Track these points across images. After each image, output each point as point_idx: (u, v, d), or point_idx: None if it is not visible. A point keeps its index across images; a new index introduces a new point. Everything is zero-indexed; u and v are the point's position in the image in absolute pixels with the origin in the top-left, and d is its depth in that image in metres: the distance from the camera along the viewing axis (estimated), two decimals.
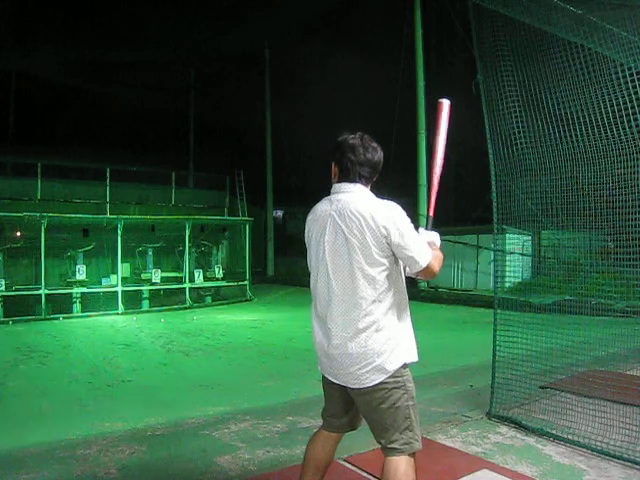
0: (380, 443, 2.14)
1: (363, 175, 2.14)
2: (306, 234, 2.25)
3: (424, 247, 2.09)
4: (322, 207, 2.18)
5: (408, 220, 2.08)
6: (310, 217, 2.24)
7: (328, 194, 2.23)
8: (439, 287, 15.00)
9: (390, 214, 2.03)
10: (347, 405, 2.25)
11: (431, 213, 2.44)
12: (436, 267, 2.13)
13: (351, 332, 2.06)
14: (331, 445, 2.32)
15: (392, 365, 2.05)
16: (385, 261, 2.05)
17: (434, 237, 2.29)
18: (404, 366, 2.10)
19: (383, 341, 2.04)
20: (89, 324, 10.80)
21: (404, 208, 2.11)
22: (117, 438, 3.85)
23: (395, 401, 2.07)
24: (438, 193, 2.49)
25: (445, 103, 2.54)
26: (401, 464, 2.07)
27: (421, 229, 2.29)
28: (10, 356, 7.32)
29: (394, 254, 2.07)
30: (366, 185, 2.16)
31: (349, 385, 2.12)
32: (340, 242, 2.07)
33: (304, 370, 6.13)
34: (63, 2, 16.88)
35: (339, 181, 2.17)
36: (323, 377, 2.28)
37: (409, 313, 2.20)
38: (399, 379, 2.08)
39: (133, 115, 21.61)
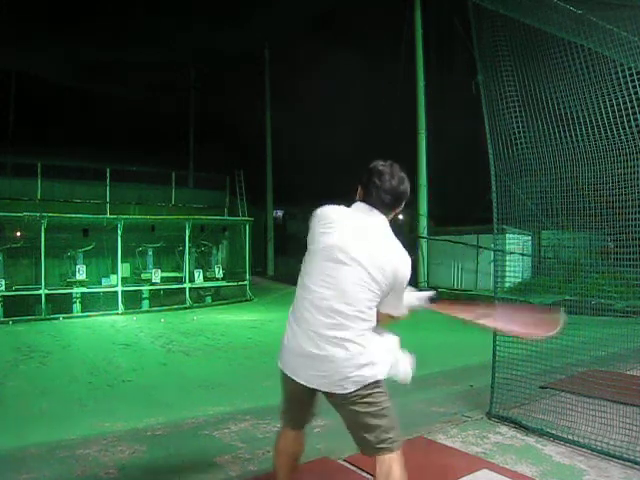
0: (366, 445, 2.18)
1: (385, 202, 2.16)
2: (317, 233, 2.21)
3: (404, 305, 2.28)
4: (352, 221, 2.17)
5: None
6: (330, 220, 2.19)
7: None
8: (439, 287, 15.00)
9: (405, 263, 2.16)
10: (314, 406, 2.32)
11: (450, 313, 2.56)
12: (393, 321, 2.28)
13: (341, 338, 2.07)
14: (301, 439, 2.43)
15: (381, 374, 2.13)
16: (377, 293, 2.12)
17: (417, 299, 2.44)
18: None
19: (372, 350, 2.11)
20: (89, 324, 10.80)
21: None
22: (117, 438, 3.85)
23: (381, 404, 2.14)
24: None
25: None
26: (395, 461, 2.15)
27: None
28: (10, 356, 7.32)
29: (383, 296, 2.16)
30: (387, 215, 2.20)
31: (334, 391, 2.11)
32: (359, 257, 2.10)
33: None
34: (63, 2, 16.88)
35: (362, 201, 2.21)
36: (288, 380, 2.22)
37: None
38: (381, 384, 2.16)
39: (133, 115, 21.61)
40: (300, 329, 2.14)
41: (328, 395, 2.17)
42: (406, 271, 2.15)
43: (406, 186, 2.21)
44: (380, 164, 2.20)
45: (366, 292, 2.09)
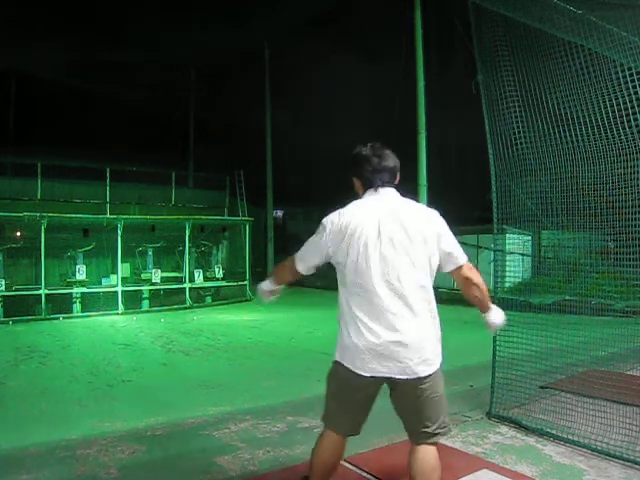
0: (423, 432, 2.27)
1: (385, 180, 2.31)
2: (348, 232, 2.22)
3: (461, 255, 2.35)
4: (368, 211, 2.24)
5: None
6: (347, 218, 2.24)
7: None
8: (439, 287, 15.00)
9: (438, 217, 2.32)
10: (368, 407, 2.33)
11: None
12: (478, 274, 2.41)
13: (419, 319, 2.23)
14: (340, 448, 2.37)
15: (440, 354, 2.32)
16: (436, 257, 2.28)
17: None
18: None
19: (438, 330, 2.35)
20: (89, 324, 10.80)
21: None
22: (117, 438, 3.85)
23: (441, 390, 2.30)
24: None
25: None
26: (435, 452, 2.31)
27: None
28: (10, 356, 7.32)
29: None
30: (394, 186, 2.37)
31: (417, 372, 2.19)
32: (404, 242, 2.19)
33: (304, 370, 6.13)
34: (63, 2, 16.87)
35: (366, 191, 2.34)
36: (350, 377, 2.22)
37: None
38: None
39: (133, 115, 21.59)
40: (370, 321, 2.20)
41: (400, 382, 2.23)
42: (439, 221, 2.30)
43: (395, 160, 2.36)
44: (362, 150, 2.33)
45: (424, 264, 2.22)
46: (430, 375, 2.22)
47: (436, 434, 2.28)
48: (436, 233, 2.24)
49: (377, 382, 2.24)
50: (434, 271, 2.28)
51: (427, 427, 2.27)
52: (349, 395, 2.29)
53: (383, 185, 2.30)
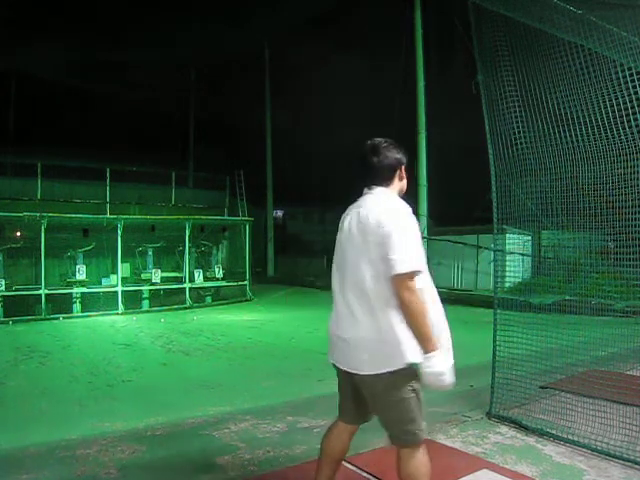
0: (388, 433, 2.22)
1: (377, 178, 2.29)
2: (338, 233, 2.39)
3: (415, 257, 2.05)
4: (349, 209, 2.35)
5: (412, 221, 2.15)
6: (342, 218, 2.38)
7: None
8: (439, 287, 14.99)
9: (390, 209, 2.16)
10: (354, 396, 2.32)
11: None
12: (419, 298, 2.03)
13: (361, 320, 2.16)
14: (345, 436, 2.41)
15: (399, 360, 2.08)
16: (380, 263, 2.14)
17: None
18: (411, 367, 2.09)
19: (392, 333, 2.09)
20: (89, 324, 10.81)
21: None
22: (117, 438, 3.85)
23: (399, 395, 2.13)
24: None
25: None
26: (415, 454, 2.16)
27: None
28: (10, 356, 7.32)
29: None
30: (387, 185, 2.30)
31: (357, 371, 2.19)
32: (356, 243, 2.20)
33: (304, 370, 6.13)
34: (63, 2, 16.88)
35: (363, 187, 2.35)
36: (336, 367, 2.34)
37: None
38: (408, 377, 2.11)
39: (133, 115, 21.60)
40: (334, 312, 2.33)
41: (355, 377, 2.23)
42: (379, 217, 2.12)
43: (390, 157, 2.29)
44: (363, 147, 2.33)
45: (368, 267, 2.14)
46: (373, 375, 2.11)
47: (399, 439, 2.18)
48: (381, 236, 2.08)
49: (345, 372, 2.27)
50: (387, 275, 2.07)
51: (387, 429, 2.22)
52: (339, 382, 2.41)
53: (381, 182, 2.29)
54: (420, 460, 2.16)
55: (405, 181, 2.38)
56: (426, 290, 2.15)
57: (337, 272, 2.30)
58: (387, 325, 2.09)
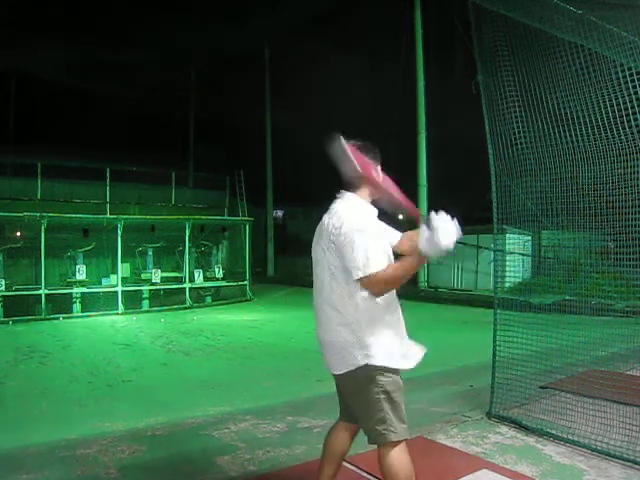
0: (365, 432, 2.28)
1: (349, 182, 2.28)
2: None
3: (370, 257, 2.04)
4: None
5: (366, 226, 2.12)
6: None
7: (328, 194, 2.30)
8: (439, 287, 15.01)
9: (346, 215, 2.17)
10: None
11: (420, 212, 2.48)
12: (388, 282, 2.07)
13: (326, 323, 2.24)
14: (345, 434, 2.45)
15: (357, 362, 2.14)
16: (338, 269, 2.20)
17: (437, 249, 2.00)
18: (375, 368, 2.14)
19: (351, 337, 2.15)
20: (89, 324, 10.80)
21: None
22: (117, 438, 3.85)
23: (366, 393, 2.17)
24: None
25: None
26: (388, 453, 2.17)
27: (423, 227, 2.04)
28: (10, 356, 7.32)
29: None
30: (354, 191, 2.28)
31: (330, 370, 2.29)
32: (320, 247, 2.27)
33: (304, 370, 6.13)
34: (63, 2, 16.88)
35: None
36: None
37: (394, 319, 2.24)
38: (370, 374, 2.14)
39: (133, 115, 21.61)
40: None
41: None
42: (333, 224, 2.17)
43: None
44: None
45: (332, 271, 2.19)
46: (343, 374, 2.21)
47: (370, 438, 2.23)
48: (335, 242, 2.14)
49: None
50: (348, 279, 2.11)
51: (361, 426, 2.31)
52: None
53: (349, 186, 2.29)
54: (395, 458, 2.17)
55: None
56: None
57: (314, 275, 2.35)
58: (345, 327, 2.16)
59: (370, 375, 2.14)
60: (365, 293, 2.12)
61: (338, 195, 2.32)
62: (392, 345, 2.18)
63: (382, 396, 2.15)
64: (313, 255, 2.34)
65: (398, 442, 2.17)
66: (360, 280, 2.07)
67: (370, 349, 2.13)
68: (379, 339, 2.15)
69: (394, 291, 2.24)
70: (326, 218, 2.26)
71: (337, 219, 2.18)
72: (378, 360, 2.13)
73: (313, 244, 2.34)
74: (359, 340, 2.14)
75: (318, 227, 2.33)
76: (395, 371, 2.19)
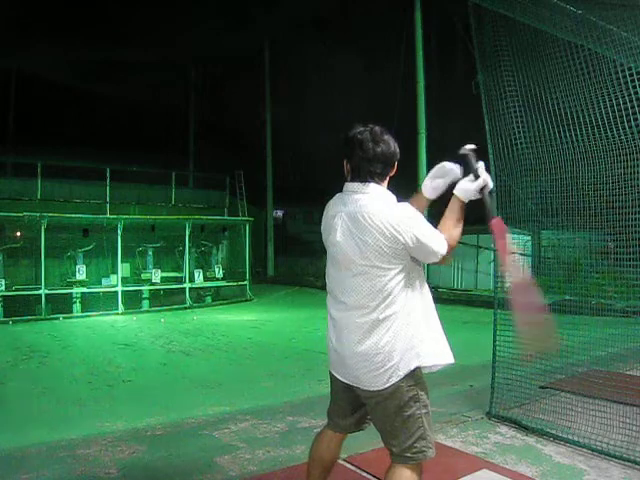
0: (391, 450, 2.10)
1: (375, 172, 2.02)
2: (322, 231, 2.19)
3: (439, 238, 2.00)
4: (335, 206, 2.12)
5: (421, 218, 2.01)
6: (324, 214, 2.18)
7: (328, 194, 2.21)
8: (439, 287, 15.00)
9: (403, 217, 1.96)
10: (355, 405, 2.21)
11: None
12: (453, 244, 2.05)
13: (360, 333, 2.01)
14: (336, 444, 2.32)
15: (401, 370, 1.99)
16: (396, 266, 1.98)
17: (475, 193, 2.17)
18: (415, 371, 2.03)
19: (392, 343, 1.98)
20: (89, 324, 10.80)
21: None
22: (117, 438, 3.85)
23: (407, 409, 2.02)
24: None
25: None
26: (406, 473, 2.04)
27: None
28: (10, 356, 7.32)
29: (410, 256, 2.00)
30: (380, 182, 2.06)
31: (359, 386, 2.08)
32: (350, 245, 2.00)
33: (304, 370, 6.13)
34: (63, 2, 16.87)
35: (352, 180, 2.07)
36: (331, 376, 2.24)
37: (431, 317, 2.12)
38: (412, 386, 2.03)
39: (133, 115, 21.60)
40: (330, 323, 2.16)
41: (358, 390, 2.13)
42: (399, 221, 1.94)
43: (392, 148, 2.05)
44: (358, 132, 2.03)
45: (375, 272, 1.97)
46: (383, 390, 2.02)
47: (404, 456, 2.05)
48: (399, 238, 2.01)
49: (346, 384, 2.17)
50: (395, 283, 2.01)
51: (392, 445, 2.08)
52: (333, 390, 2.30)
53: (373, 176, 2.03)
54: (416, 477, 2.07)
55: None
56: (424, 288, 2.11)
57: (337, 278, 2.11)
58: (388, 330, 2.00)
59: (413, 387, 2.02)
60: (405, 294, 2.00)
61: (361, 185, 2.03)
62: (430, 343, 2.07)
63: (423, 411, 2.04)
64: (341, 256, 2.05)
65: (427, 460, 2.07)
66: (442, 256, 2.00)
67: (415, 354, 2.00)
68: (422, 342, 2.03)
69: (425, 283, 2.14)
70: (371, 216, 1.96)
71: (401, 219, 1.95)
72: (429, 359, 2.03)
73: (338, 243, 2.04)
74: (408, 347, 1.99)
75: (342, 224, 2.04)
76: (425, 380, 2.10)
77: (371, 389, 2.03)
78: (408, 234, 1.93)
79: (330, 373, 2.24)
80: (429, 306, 2.12)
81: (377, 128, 2.06)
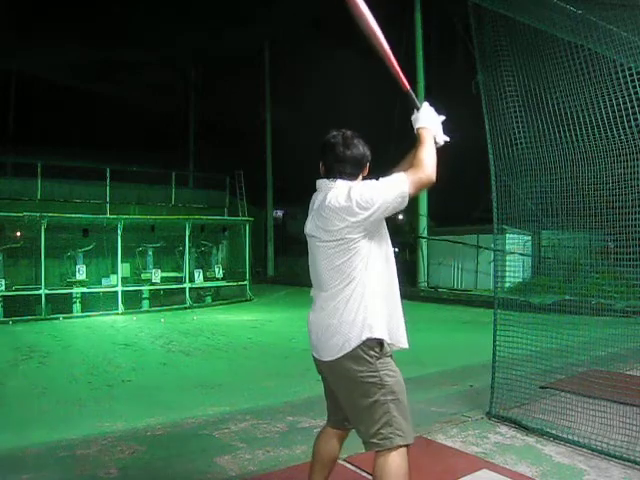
0: (360, 437, 2.14)
1: (344, 171, 2.17)
2: None
3: (394, 181, 2.07)
4: (311, 203, 2.29)
5: (368, 182, 2.12)
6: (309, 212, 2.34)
7: None
8: (439, 287, 15.01)
9: (353, 191, 2.06)
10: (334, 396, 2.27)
11: (408, 87, 2.39)
12: (423, 174, 2.11)
13: (323, 307, 2.15)
14: (334, 441, 2.34)
15: (354, 340, 2.05)
16: (357, 244, 2.07)
17: (424, 118, 2.33)
18: (374, 347, 2.06)
19: (345, 314, 2.07)
20: (89, 324, 10.81)
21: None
22: (117, 438, 3.85)
23: (371, 395, 2.05)
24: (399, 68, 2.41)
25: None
26: (389, 459, 2.05)
27: (413, 116, 2.37)
28: (10, 356, 7.32)
29: (376, 218, 2.06)
30: (351, 179, 2.18)
31: (319, 357, 2.17)
32: (319, 235, 2.15)
33: (304, 370, 6.13)
34: (63, 2, 16.88)
35: (324, 178, 2.23)
36: (316, 365, 2.28)
37: (391, 299, 2.17)
38: (373, 372, 2.05)
39: (133, 115, 21.61)
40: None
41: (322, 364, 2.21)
42: (346, 193, 2.06)
43: (362, 150, 2.20)
44: (331, 136, 2.20)
45: (333, 258, 2.09)
46: (339, 359, 2.09)
47: (370, 442, 2.08)
48: (358, 208, 2.11)
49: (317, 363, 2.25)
50: (356, 264, 2.11)
51: (359, 431, 2.14)
52: (323, 382, 2.35)
53: (342, 175, 2.16)
54: (395, 465, 2.07)
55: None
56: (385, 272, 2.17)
57: (313, 261, 2.25)
58: (349, 304, 2.09)
59: (375, 372, 2.05)
60: (367, 271, 2.08)
61: (330, 182, 2.17)
62: (389, 321, 2.14)
63: (389, 397, 2.06)
64: (312, 247, 2.22)
65: (402, 446, 2.06)
66: (410, 192, 2.06)
67: (373, 320, 2.06)
68: (381, 317, 2.10)
69: (393, 265, 2.20)
70: (328, 204, 2.10)
71: (349, 193, 2.06)
72: (381, 334, 2.07)
73: (311, 230, 2.22)
74: (363, 317, 2.06)
75: (312, 219, 2.22)
76: (395, 369, 2.13)
77: (325, 359, 2.13)
78: (356, 196, 2.03)
79: (314, 361, 2.27)
80: (391, 290, 2.19)
81: (349, 132, 2.21)
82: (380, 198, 2.03)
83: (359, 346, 2.05)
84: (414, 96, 2.36)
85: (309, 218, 2.26)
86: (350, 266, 2.08)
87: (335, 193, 2.11)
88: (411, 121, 2.35)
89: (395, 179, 2.08)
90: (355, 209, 2.02)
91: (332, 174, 2.18)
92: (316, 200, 2.23)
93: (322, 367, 2.22)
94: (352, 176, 2.18)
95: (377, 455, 2.09)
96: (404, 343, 2.19)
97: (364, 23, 2.34)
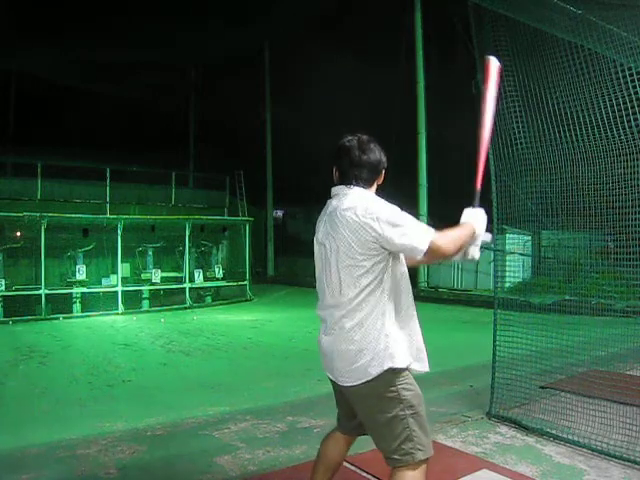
0: (380, 450, 2.10)
1: (360, 177, 2.10)
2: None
3: (420, 230, 1.98)
4: (324, 209, 2.20)
5: (397, 210, 2.02)
6: (319, 218, 2.26)
7: (328, 194, 2.23)
8: (439, 287, 15.00)
9: (373, 209, 1.98)
10: (352, 408, 2.21)
11: (478, 186, 2.34)
12: (445, 246, 2.02)
13: (337, 329, 2.05)
14: (342, 446, 2.33)
15: (375, 369, 1.98)
16: (372, 261, 1.98)
17: (475, 218, 2.27)
18: (395, 371, 2.00)
19: (363, 342, 1.99)
20: (89, 324, 10.80)
21: (403, 209, 2.08)
22: (117, 438, 3.85)
23: (390, 410, 2.01)
24: (485, 165, 2.38)
25: (493, 62, 2.40)
26: (409, 475, 2.02)
27: (466, 210, 2.30)
28: (10, 356, 7.32)
29: (388, 250, 1.99)
30: (366, 187, 2.12)
31: (338, 382, 2.11)
32: (330, 243, 2.07)
33: (304, 370, 6.13)
34: (63, 2, 16.87)
35: (338, 184, 2.16)
36: (328, 377, 2.25)
37: (410, 316, 2.12)
38: (392, 388, 2.01)
39: (133, 115, 21.60)
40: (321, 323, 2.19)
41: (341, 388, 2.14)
42: (368, 212, 1.96)
43: (378, 156, 2.13)
44: (346, 141, 2.13)
45: (349, 270, 2.00)
46: (360, 386, 2.02)
47: (392, 458, 2.03)
48: (369, 230, 2.04)
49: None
50: (371, 279, 2.03)
51: (381, 448, 2.08)
52: (334, 392, 2.31)
53: (358, 181, 2.09)
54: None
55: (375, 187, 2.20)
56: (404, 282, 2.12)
57: (323, 279, 2.14)
58: (365, 328, 2.01)
59: (393, 388, 2.00)
60: (382, 290, 2.00)
61: (347, 188, 2.10)
62: (410, 344, 2.07)
63: (409, 412, 2.00)
64: (323, 256, 2.12)
65: (423, 461, 2.03)
66: (426, 251, 1.96)
67: (391, 355, 1.98)
68: (401, 342, 2.03)
69: (410, 286, 2.15)
70: (343, 212, 2.01)
71: (367, 209, 1.97)
72: (403, 362, 2.00)
73: (321, 244, 2.13)
74: (382, 346, 1.98)
75: (324, 225, 2.12)
76: (412, 381, 2.06)
77: (345, 385, 2.06)
78: (376, 222, 1.95)
79: (328, 379, 2.24)
80: (409, 310, 2.13)
81: (365, 137, 2.14)
82: (409, 222, 1.97)
83: (380, 374, 1.99)
84: (478, 196, 2.35)
85: (321, 225, 2.15)
86: (367, 283, 1.99)
87: (356, 203, 2.01)
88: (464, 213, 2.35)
89: (425, 227, 2.01)
90: (382, 225, 1.95)
91: (347, 180, 2.11)
92: (329, 206, 2.14)
93: (337, 386, 2.17)
94: (368, 182, 2.12)
95: (397, 468, 2.04)
96: (425, 367, 2.13)
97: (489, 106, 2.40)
